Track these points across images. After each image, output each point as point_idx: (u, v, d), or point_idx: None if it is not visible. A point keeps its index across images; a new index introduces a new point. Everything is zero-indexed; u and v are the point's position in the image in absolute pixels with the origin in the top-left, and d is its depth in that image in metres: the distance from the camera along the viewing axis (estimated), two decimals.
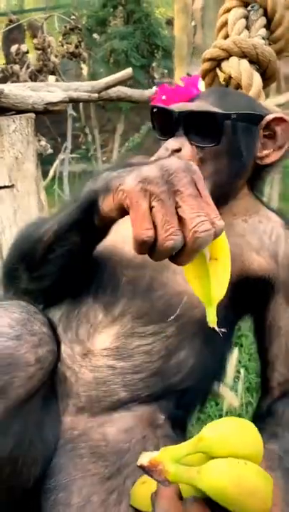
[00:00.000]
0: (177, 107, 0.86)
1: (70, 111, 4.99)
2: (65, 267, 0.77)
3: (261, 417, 0.85)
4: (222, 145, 0.84)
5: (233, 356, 2.18)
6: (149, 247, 0.50)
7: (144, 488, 0.59)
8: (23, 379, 0.57)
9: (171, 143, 0.83)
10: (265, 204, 0.99)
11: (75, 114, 5.56)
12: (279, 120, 0.90)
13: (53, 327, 0.67)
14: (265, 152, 0.90)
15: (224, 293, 0.59)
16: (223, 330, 0.59)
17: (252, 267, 0.87)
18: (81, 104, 7.10)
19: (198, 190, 0.51)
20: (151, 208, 0.49)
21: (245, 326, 2.84)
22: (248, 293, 0.88)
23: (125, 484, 0.63)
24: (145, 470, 0.50)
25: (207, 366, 0.82)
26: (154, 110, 0.89)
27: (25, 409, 0.59)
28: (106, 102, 6.94)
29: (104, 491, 0.62)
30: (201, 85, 1.13)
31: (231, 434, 0.49)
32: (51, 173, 5.32)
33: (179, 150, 0.82)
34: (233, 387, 2.23)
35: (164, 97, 0.91)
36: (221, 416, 2.21)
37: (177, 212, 0.50)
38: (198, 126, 0.83)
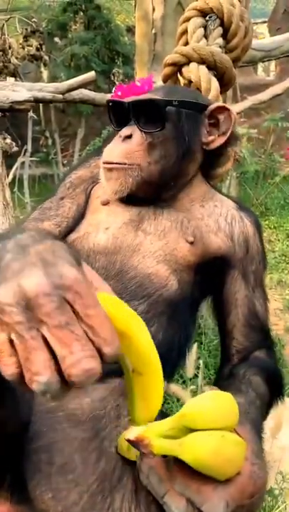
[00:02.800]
0: (128, 99, 0.94)
1: (31, 113, 4.96)
2: None
3: (224, 379, 0.91)
4: (168, 130, 0.92)
5: (193, 352, 2.26)
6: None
7: None
8: None
9: (124, 130, 0.92)
10: (218, 190, 1.07)
11: (35, 116, 5.52)
12: (221, 109, 0.98)
13: None
14: (211, 138, 0.98)
15: (154, 414, 0.53)
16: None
17: (212, 248, 0.93)
18: (41, 108, 7.06)
19: (77, 309, 0.39)
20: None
21: (205, 324, 2.94)
22: (209, 272, 0.94)
23: (103, 444, 0.67)
24: (132, 444, 0.53)
25: (174, 342, 0.87)
26: (110, 104, 0.97)
27: None
28: (66, 106, 6.95)
29: (84, 451, 0.65)
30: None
31: (210, 409, 0.53)
32: (11, 176, 5.26)
33: (130, 136, 0.91)
34: (193, 382, 2.31)
35: (119, 93, 0.99)
36: None
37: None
38: (145, 114, 0.92)
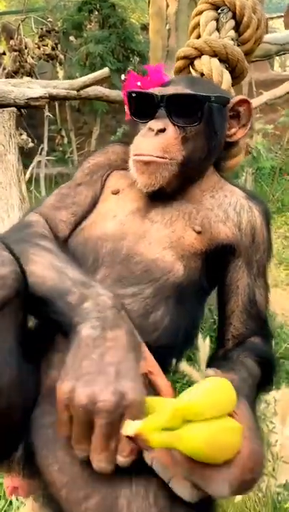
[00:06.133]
0: (158, 90, 0.93)
1: (47, 112, 5.00)
2: None
3: (217, 361, 0.92)
4: (201, 125, 0.92)
5: (206, 345, 2.26)
6: None
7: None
8: None
9: (156, 123, 0.90)
10: (228, 180, 1.08)
11: (51, 116, 5.57)
12: (242, 101, 1.00)
13: (12, 253, 0.69)
14: (233, 131, 1.01)
15: None
16: None
17: (220, 237, 0.95)
18: (57, 107, 7.12)
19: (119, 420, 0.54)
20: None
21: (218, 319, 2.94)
22: (216, 261, 0.96)
23: None
24: (131, 439, 0.55)
25: (180, 326, 0.89)
26: (133, 95, 0.95)
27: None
28: (82, 105, 6.99)
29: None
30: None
31: (204, 400, 0.55)
32: (27, 175, 5.30)
33: (163, 130, 0.90)
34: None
35: (139, 83, 0.99)
36: None
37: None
38: (180, 108, 0.91)
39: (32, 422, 0.70)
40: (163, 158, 0.89)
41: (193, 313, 0.93)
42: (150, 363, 0.61)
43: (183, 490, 0.56)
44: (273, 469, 1.95)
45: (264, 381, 0.87)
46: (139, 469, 0.61)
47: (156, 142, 0.89)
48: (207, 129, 0.94)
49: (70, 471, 0.64)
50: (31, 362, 0.75)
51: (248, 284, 0.97)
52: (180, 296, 0.88)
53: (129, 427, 0.54)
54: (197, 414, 0.54)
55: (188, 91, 0.92)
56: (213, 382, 0.58)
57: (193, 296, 0.92)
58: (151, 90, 0.94)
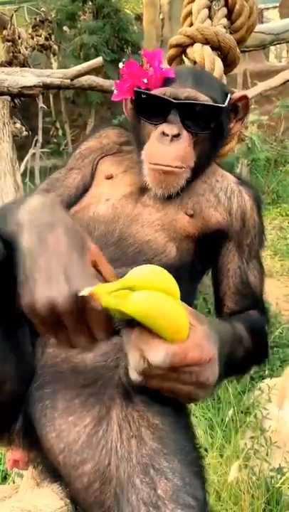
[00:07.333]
0: (169, 93, 0.92)
1: (41, 104, 4.98)
2: None
3: None
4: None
5: None
6: None
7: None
8: None
9: (170, 128, 0.90)
10: (220, 165, 1.10)
11: (46, 107, 5.55)
12: (241, 98, 1.01)
13: None
14: (231, 125, 1.02)
15: None
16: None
17: (211, 221, 0.97)
18: (52, 99, 7.09)
19: (86, 316, 0.58)
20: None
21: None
22: (209, 245, 0.98)
23: (101, 390, 0.72)
24: (84, 298, 0.60)
25: None
26: (143, 96, 0.93)
27: None
28: (76, 97, 6.96)
29: (84, 395, 0.71)
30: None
31: (153, 275, 0.63)
32: (22, 167, 5.28)
33: (177, 135, 0.90)
34: None
35: (145, 81, 0.94)
36: None
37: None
38: (195, 115, 0.91)
39: (30, 394, 0.74)
40: (180, 168, 0.91)
41: (186, 294, 0.95)
42: (94, 252, 0.62)
43: (133, 360, 0.61)
44: (267, 454, 2.00)
45: (257, 351, 0.90)
46: (121, 438, 0.66)
47: (173, 151, 0.90)
48: (217, 131, 0.96)
49: (66, 438, 0.68)
50: (25, 340, 0.78)
51: (239, 266, 0.99)
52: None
53: (85, 289, 0.59)
54: (146, 283, 0.61)
55: (202, 96, 0.92)
56: (160, 268, 0.65)
57: (186, 278, 0.94)
58: (162, 92, 0.92)
